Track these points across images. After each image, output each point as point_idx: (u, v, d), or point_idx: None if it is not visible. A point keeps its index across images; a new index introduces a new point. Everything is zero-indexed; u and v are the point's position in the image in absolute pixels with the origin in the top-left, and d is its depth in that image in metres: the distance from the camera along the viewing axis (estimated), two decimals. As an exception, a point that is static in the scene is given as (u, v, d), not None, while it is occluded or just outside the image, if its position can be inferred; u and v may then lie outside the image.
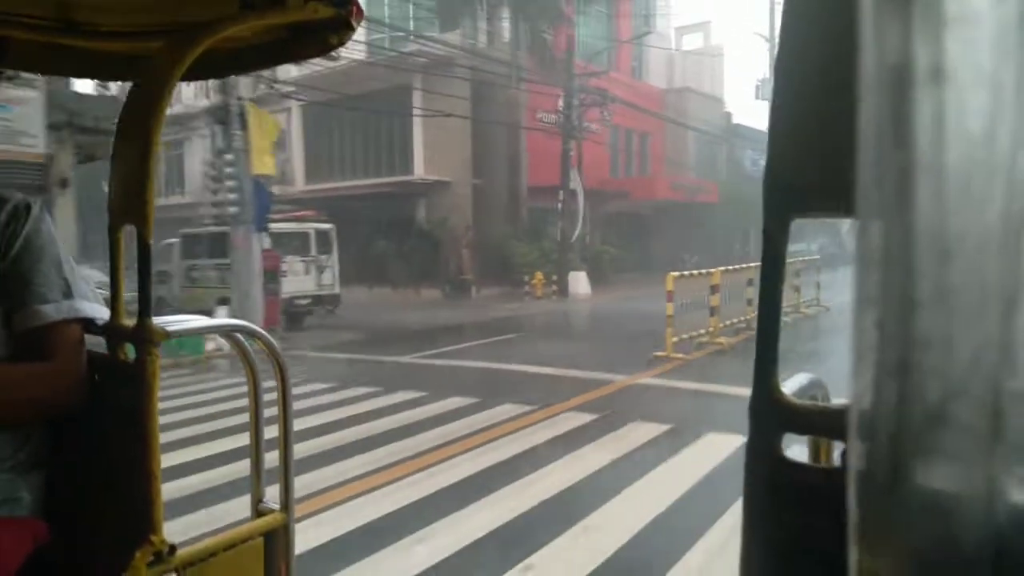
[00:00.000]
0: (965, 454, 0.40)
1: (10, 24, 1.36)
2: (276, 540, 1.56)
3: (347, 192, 24.42)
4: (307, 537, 3.90)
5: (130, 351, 1.33)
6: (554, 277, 21.10)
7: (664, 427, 6.20)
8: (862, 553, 0.39)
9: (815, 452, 1.13)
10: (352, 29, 1.40)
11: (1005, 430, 0.41)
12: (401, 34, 22.58)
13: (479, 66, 22.25)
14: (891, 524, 0.39)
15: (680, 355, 9.79)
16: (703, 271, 11.65)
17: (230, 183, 12.21)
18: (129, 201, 1.32)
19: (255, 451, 1.61)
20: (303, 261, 15.20)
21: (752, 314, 11.61)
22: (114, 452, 1.35)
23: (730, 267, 12.35)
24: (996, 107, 0.39)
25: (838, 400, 0.92)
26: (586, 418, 6.67)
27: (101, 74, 1.66)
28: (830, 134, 0.71)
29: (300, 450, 5.63)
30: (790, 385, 0.96)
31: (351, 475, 5.19)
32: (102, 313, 1.39)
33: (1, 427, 1.29)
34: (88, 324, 1.39)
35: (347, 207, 22.44)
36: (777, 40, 0.80)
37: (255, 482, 1.62)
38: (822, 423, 0.83)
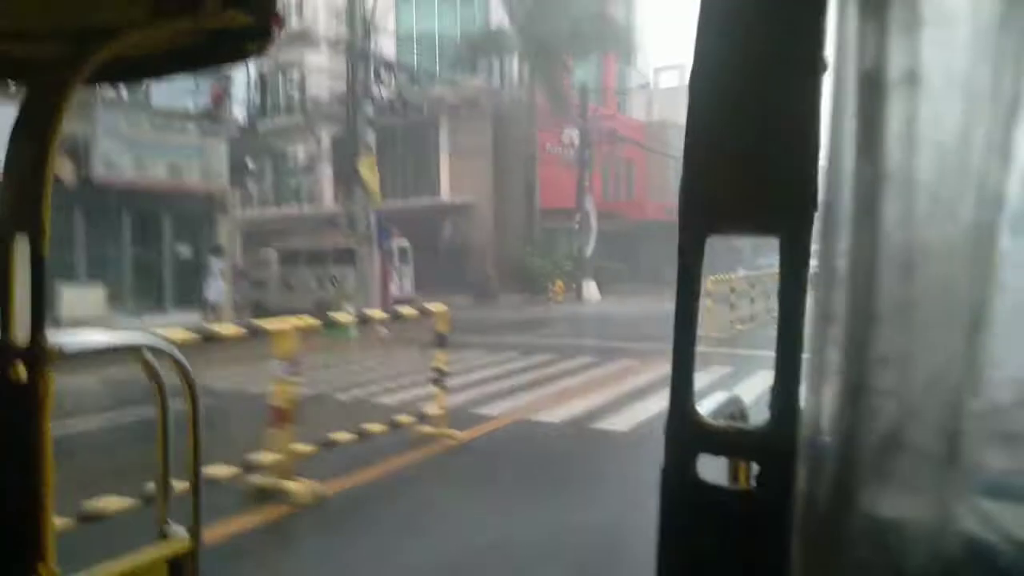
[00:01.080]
0: (917, 480, 0.39)
1: None
2: (182, 567, 1.41)
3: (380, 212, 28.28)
4: (549, 415, 7.03)
5: (22, 371, 1.20)
6: (573, 285, 24.09)
7: (726, 369, 8.95)
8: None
9: (734, 473, 1.10)
10: (271, 37, 1.30)
11: (962, 453, 0.39)
12: (428, 78, 26.48)
13: (498, 106, 25.66)
14: (831, 550, 0.39)
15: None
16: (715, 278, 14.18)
17: (357, 212, 15.80)
18: (23, 209, 1.22)
19: (162, 472, 1.48)
20: (395, 270, 18.63)
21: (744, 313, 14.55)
22: (2, 477, 1.22)
23: (713, 277, 14.24)
24: (970, 113, 0.38)
25: (756, 420, 0.80)
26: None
27: None
28: (744, 151, 0.69)
29: (522, 380, 8.66)
30: (707, 404, 0.93)
31: (559, 393, 8.09)
32: None
33: None
34: None
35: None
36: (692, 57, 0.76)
37: (160, 503, 1.48)
38: (739, 444, 0.78)
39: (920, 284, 0.39)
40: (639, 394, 7.78)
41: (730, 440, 0.78)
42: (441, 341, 6.24)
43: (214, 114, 16.07)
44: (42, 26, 1.28)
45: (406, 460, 5.57)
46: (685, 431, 0.76)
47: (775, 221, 0.64)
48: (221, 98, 16.30)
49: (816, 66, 0.54)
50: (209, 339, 4.43)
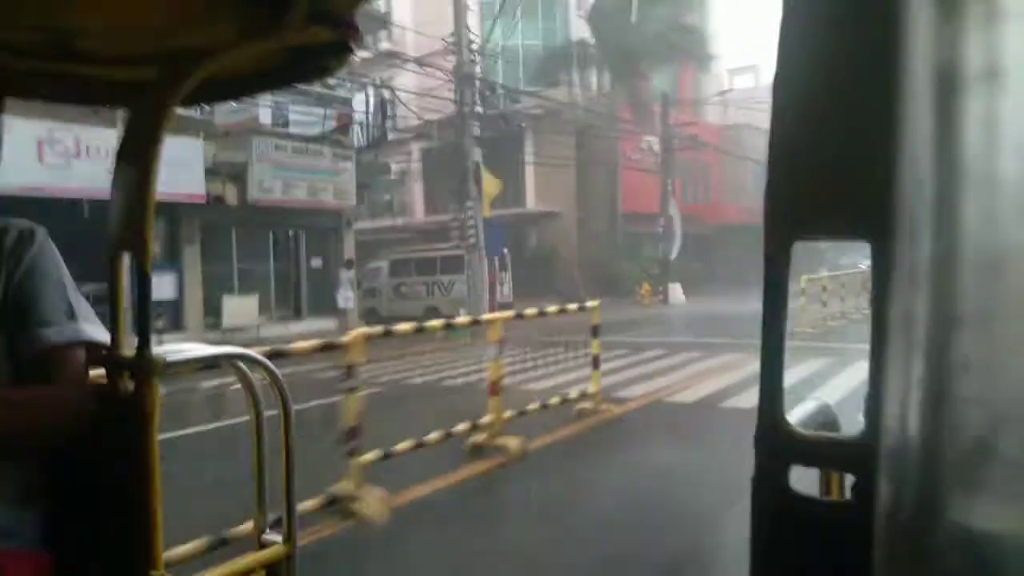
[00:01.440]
0: (1010, 490, 0.36)
1: (7, 51, 1.28)
2: (279, 573, 1.44)
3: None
4: (682, 396, 8.13)
5: (129, 382, 1.22)
6: (660, 288, 24.41)
7: (822, 361, 9.39)
8: None
9: (826, 485, 1.09)
10: (351, 52, 1.31)
11: None
12: (514, 90, 26.98)
13: (581, 116, 25.83)
14: (923, 563, 0.36)
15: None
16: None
17: (470, 222, 16.82)
18: (128, 229, 1.24)
19: (258, 482, 1.49)
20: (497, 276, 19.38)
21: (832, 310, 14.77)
22: (114, 485, 1.25)
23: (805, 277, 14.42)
24: None
25: (850, 429, 0.77)
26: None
27: (99, 101, 1.57)
28: (832, 154, 0.67)
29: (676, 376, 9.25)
30: (797, 413, 0.91)
31: (681, 380, 9.07)
32: (105, 337, 1.28)
33: (3, 455, 1.19)
34: (91, 352, 1.28)
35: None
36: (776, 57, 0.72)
37: (257, 513, 1.50)
38: (831, 454, 0.77)
39: (1007, 286, 0.36)
40: (755, 379, 8.84)
41: (822, 450, 0.76)
42: (595, 331, 7.37)
43: (340, 137, 17.87)
44: (139, 50, 1.32)
45: (578, 427, 6.75)
46: (776, 441, 0.74)
47: (864, 225, 0.63)
48: (345, 122, 18.34)
49: (899, 67, 0.53)
50: (421, 331, 6.01)
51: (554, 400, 6.92)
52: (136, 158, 1.26)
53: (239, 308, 15.78)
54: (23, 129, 11.34)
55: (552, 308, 7.77)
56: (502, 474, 5.54)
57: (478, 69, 17.70)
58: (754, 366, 0.86)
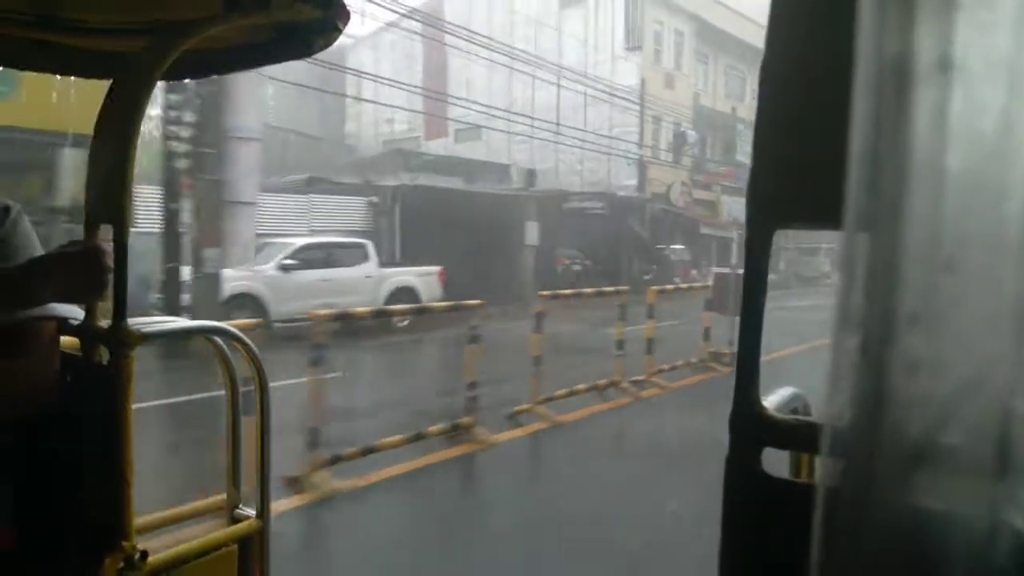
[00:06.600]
0: (954, 490, 0.36)
1: None
2: (251, 547, 1.42)
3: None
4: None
5: (105, 353, 1.22)
6: None
7: None
8: (825, 570, 0.39)
9: (796, 467, 1.11)
10: (339, 31, 1.30)
11: (1010, 459, 0.35)
12: None
13: None
14: (886, 545, 0.37)
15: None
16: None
17: None
18: (107, 201, 1.23)
19: (231, 457, 1.46)
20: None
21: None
22: (85, 457, 1.24)
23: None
24: (1014, 99, 0.35)
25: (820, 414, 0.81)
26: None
27: (82, 71, 1.54)
28: (815, 144, 0.69)
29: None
30: (772, 399, 0.92)
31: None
32: (76, 313, 1.26)
33: None
34: (63, 324, 1.26)
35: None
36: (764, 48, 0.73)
37: (230, 487, 1.48)
38: (803, 438, 0.78)
39: (957, 282, 0.38)
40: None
41: (794, 434, 0.78)
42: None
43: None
44: (124, 21, 1.32)
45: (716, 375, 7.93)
46: (750, 424, 0.77)
47: (841, 215, 0.61)
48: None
49: (882, 59, 0.50)
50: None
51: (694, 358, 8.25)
52: (117, 130, 1.25)
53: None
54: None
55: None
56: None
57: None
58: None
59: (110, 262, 1.19)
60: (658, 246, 21.82)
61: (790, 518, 0.72)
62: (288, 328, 9.10)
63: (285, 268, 10.99)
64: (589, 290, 8.99)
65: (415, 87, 20.55)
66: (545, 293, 7.05)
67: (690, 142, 25.50)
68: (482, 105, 19.74)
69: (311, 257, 11.41)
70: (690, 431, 5.79)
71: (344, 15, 1.29)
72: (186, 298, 9.34)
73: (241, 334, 1.45)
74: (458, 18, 21.56)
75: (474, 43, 18.08)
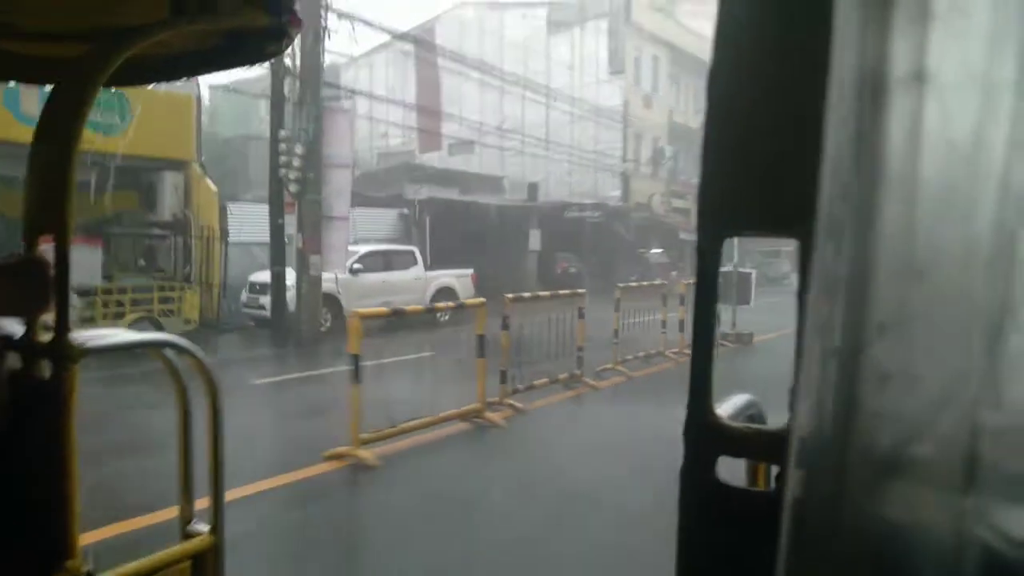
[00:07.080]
0: (923, 502, 0.36)
1: None
2: (205, 563, 1.40)
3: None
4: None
5: (46, 368, 1.18)
6: None
7: None
8: None
9: (752, 476, 1.10)
10: (291, 38, 1.28)
11: (980, 473, 0.35)
12: None
13: None
14: (825, 555, 0.36)
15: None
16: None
17: None
18: (47, 211, 1.19)
19: (183, 472, 1.44)
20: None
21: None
22: (28, 474, 1.20)
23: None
24: (987, 110, 0.35)
25: (776, 422, 0.80)
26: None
27: (25, 77, 1.51)
28: (765, 150, 0.68)
29: None
30: (726, 407, 0.91)
31: None
32: (13, 328, 1.21)
33: None
34: (3, 339, 1.21)
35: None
36: (711, 52, 0.73)
37: (183, 502, 1.45)
38: (758, 446, 0.77)
39: (928, 292, 0.37)
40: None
41: (749, 442, 0.77)
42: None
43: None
44: (66, 26, 1.28)
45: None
46: (704, 433, 0.76)
47: (794, 222, 0.64)
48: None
49: (831, 66, 0.50)
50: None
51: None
52: (57, 137, 1.21)
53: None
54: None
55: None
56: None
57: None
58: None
59: (51, 274, 1.15)
60: (640, 249, 24.51)
61: (746, 527, 0.73)
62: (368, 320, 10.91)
63: (354, 271, 12.79)
64: (578, 291, 9.76)
65: (410, 103, 22.12)
66: (545, 293, 8.72)
67: (667, 156, 27.78)
68: (474, 121, 22.51)
69: (372, 262, 13.51)
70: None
71: (296, 22, 1.27)
72: (290, 295, 11.61)
73: (190, 346, 1.41)
74: (469, 48, 24.52)
75: (480, 70, 21.14)
